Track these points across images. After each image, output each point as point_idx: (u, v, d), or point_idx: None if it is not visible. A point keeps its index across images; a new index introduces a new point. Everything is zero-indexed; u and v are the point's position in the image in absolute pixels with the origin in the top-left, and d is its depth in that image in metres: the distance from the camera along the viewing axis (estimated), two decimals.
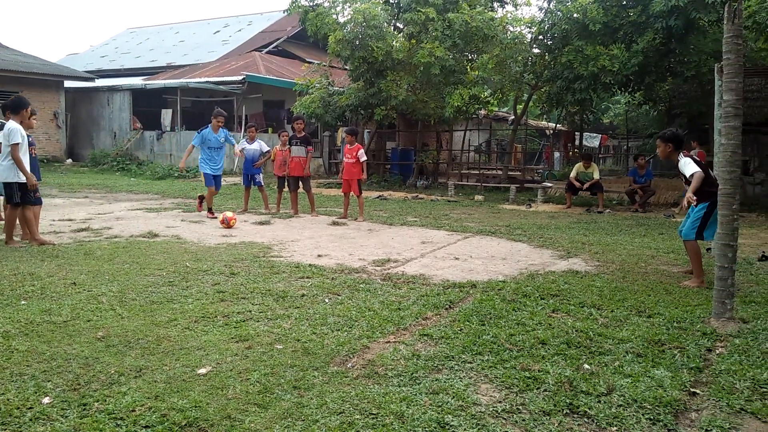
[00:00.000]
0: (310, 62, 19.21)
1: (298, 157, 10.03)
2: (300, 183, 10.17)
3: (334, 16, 16.09)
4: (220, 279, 5.07)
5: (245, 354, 3.31)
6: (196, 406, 2.64)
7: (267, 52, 25.92)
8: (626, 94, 16.90)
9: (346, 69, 17.15)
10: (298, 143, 10.07)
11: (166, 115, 20.66)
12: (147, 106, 21.61)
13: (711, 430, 2.52)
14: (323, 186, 16.05)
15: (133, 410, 2.60)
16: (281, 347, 3.42)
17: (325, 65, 18.46)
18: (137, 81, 22.68)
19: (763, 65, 14.58)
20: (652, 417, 2.63)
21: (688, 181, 5.23)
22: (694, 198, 5.07)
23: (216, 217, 8.89)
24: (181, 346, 3.41)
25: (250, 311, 4.13)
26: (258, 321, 3.92)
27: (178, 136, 19.82)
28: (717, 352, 3.50)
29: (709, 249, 6.26)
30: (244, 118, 19.70)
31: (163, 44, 32.48)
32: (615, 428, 2.54)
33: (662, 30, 11.97)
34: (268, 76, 20.46)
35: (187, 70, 24.06)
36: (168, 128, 20.42)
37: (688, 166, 5.22)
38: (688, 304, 4.49)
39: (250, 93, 19.94)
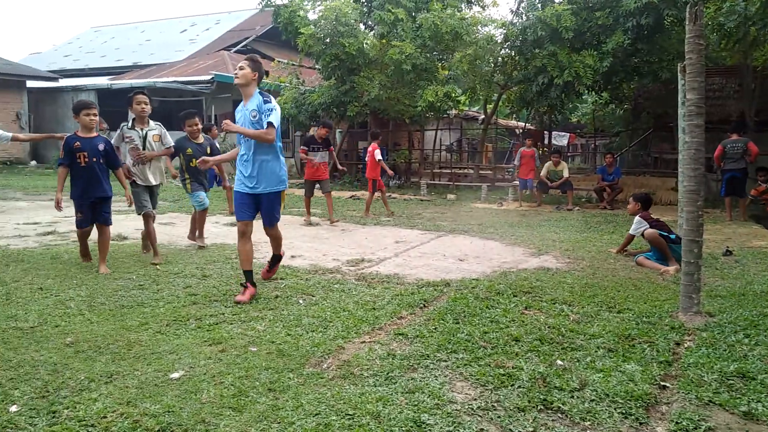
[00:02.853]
0: (280, 62, 19.05)
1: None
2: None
3: (305, 14, 16.04)
4: (191, 282, 5.00)
5: (219, 357, 3.27)
6: (168, 411, 2.59)
7: (236, 51, 25.64)
8: (593, 93, 17.22)
9: (316, 68, 17.08)
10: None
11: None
12: (113, 106, 21.08)
13: (681, 422, 2.57)
14: (295, 186, 15.94)
15: (105, 417, 2.55)
16: (255, 350, 3.39)
17: (294, 64, 18.34)
18: (103, 81, 22.19)
19: (724, 65, 15.01)
20: (624, 411, 2.68)
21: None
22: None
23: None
24: (153, 350, 3.35)
25: (223, 314, 4.08)
26: (231, 324, 3.87)
27: None
28: (685, 345, 3.58)
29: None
30: (213, 118, 19.47)
31: (128, 43, 31.87)
32: (588, 423, 2.58)
33: (632, 29, 12.15)
34: None
35: (154, 69, 23.64)
36: None
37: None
38: (657, 299, 4.59)
39: (220, 93, 19.73)
